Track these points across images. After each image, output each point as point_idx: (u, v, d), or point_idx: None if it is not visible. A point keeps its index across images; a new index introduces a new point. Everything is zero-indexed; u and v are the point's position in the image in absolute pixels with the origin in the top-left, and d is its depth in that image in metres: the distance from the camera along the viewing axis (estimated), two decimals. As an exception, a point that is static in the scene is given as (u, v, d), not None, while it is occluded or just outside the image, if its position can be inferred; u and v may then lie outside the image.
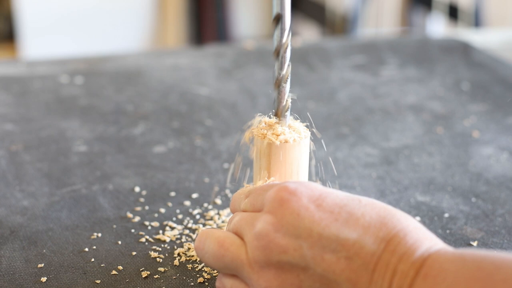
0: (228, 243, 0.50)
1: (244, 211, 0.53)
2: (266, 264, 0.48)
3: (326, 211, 0.48)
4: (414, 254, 0.45)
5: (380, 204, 0.49)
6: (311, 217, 0.47)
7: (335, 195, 0.49)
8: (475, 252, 0.44)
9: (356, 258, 0.46)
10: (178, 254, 0.61)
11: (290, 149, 0.54)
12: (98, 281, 0.57)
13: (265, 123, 0.57)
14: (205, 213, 0.68)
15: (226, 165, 0.78)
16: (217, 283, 0.53)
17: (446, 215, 0.68)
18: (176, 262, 0.60)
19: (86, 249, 0.62)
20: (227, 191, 0.72)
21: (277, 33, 0.55)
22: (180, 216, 0.67)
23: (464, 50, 1.18)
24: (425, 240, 0.47)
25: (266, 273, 0.48)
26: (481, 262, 0.43)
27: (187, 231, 0.65)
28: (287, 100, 0.56)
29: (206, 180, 0.75)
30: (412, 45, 1.23)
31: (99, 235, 0.64)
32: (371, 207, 0.48)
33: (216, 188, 0.72)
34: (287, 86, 0.56)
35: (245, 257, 0.49)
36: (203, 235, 0.52)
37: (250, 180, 0.74)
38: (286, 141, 0.55)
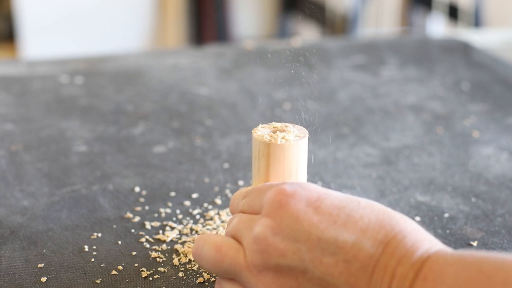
0: (225, 248, 0.50)
1: (242, 211, 0.53)
2: (264, 268, 0.48)
3: (324, 214, 0.48)
4: (412, 256, 0.45)
5: (379, 206, 0.49)
6: (310, 220, 0.47)
7: (334, 196, 0.49)
8: (474, 253, 0.44)
9: (355, 261, 0.46)
10: (178, 254, 0.61)
11: (289, 148, 0.54)
12: (98, 281, 0.57)
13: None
14: (205, 213, 0.68)
15: (226, 165, 0.78)
16: (216, 287, 0.53)
17: (446, 215, 0.68)
18: (176, 262, 0.60)
19: (86, 249, 0.62)
20: (227, 191, 0.72)
21: None
22: (180, 216, 0.67)
23: (464, 50, 1.18)
24: (423, 241, 0.46)
25: (265, 277, 0.48)
26: (481, 264, 0.43)
27: (187, 231, 0.65)
28: None
29: (206, 180, 0.75)
30: (412, 45, 1.23)
31: (99, 235, 0.64)
32: (370, 209, 0.48)
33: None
34: None
35: (243, 261, 0.49)
36: (200, 241, 0.52)
37: (249, 179, 0.74)
38: (285, 141, 0.55)
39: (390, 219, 0.47)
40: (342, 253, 0.46)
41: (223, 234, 0.63)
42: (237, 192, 0.56)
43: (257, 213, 0.51)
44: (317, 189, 0.50)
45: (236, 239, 0.51)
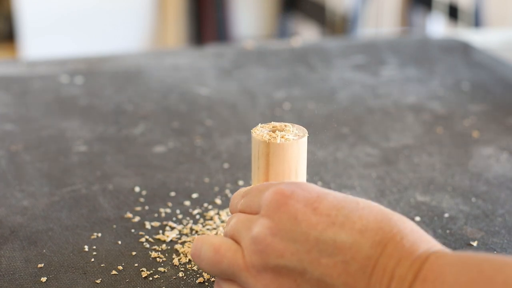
0: (224, 249, 0.50)
1: (240, 211, 0.53)
2: (263, 268, 0.48)
3: (323, 214, 0.48)
4: (411, 257, 0.45)
5: (377, 206, 0.49)
6: (308, 220, 0.47)
7: (332, 196, 0.49)
8: (474, 254, 0.44)
9: (353, 262, 0.46)
10: (178, 254, 0.61)
11: (289, 148, 0.54)
12: (98, 281, 0.57)
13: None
14: (205, 213, 0.68)
15: (226, 165, 0.78)
16: (215, 287, 0.53)
17: (446, 215, 0.68)
18: (176, 262, 0.60)
19: (86, 249, 0.62)
20: (227, 191, 0.72)
21: None
22: (180, 216, 0.68)
23: (464, 50, 1.18)
24: (422, 242, 0.46)
25: (264, 278, 0.48)
26: (481, 265, 0.43)
27: (187, 231, 0.65)
28: None
29: (206, 180, 0.75)
30: (412, 45, 1.23)
31: (99, 235, 0.64)
32: (369, 210, 0.48)
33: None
34: None
35: (242, 261, 0.49)
36: (198, 242, 0.51)
37: (249, 179, 0.74)
38: (284, 140, 0.55)
39: (389, 220, 0.47)
40: (340, 254, 0.46)
41: (222, 234, 0.63)
42: (237, 192, 0.56)
43: (255, 213, 0.51)
44: (315, 189, 0.50)
45: (235, 239, 0.51)
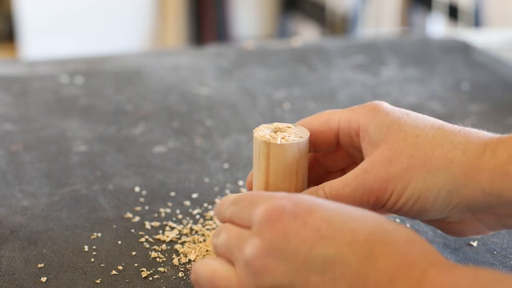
0: (218, 278, 0.50)
1: (230, 220, 0.52)
2: None
3: (312, 229, 0.46)
4: (405, 274, 0.43)
5: (372, 216, 0.47)
6: (297, 236, 0.46)
7: (324, 208, 0.47)
8: (478, 274, 0.42)
9: (342, 279, 0.44)
10: (178, 254, 0.61)
11: (289, 149, 0.54)
12: (98, 281, 0.57)
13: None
14: (205, 213, 0.68)
15: (226, 165, 0.78)
16: None
17: (446, 215, 0.68)
18: (176, 262, 0.60)
19: (86, 249, 0.62)
20: (227, 191, 0.72)
21: None
22: (180, 216, 0.68)
23: (464, 50, 1.18)
24: (419, 256, 0.44)
25: None
26: None
27: (187, 231, 0.65)
28: None
29: (206, 180, 0.75)
30: (412, 45, 1.23)
31: (99, 235, 0.64)
32: (362, 221, 0.46)
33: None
34: None
35: (236, 284, 0.49)
36: (197, 271, 0.51)
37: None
38: (285, 141, 0.55)
39: (383, 231, 0.45)
40: (330, 272, 0.45)
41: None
42: (225, 198, 0.54)
43: (246, 226, 0.50)
44: (306, 201, 0.48)
45: (228, 258, 0.50)
